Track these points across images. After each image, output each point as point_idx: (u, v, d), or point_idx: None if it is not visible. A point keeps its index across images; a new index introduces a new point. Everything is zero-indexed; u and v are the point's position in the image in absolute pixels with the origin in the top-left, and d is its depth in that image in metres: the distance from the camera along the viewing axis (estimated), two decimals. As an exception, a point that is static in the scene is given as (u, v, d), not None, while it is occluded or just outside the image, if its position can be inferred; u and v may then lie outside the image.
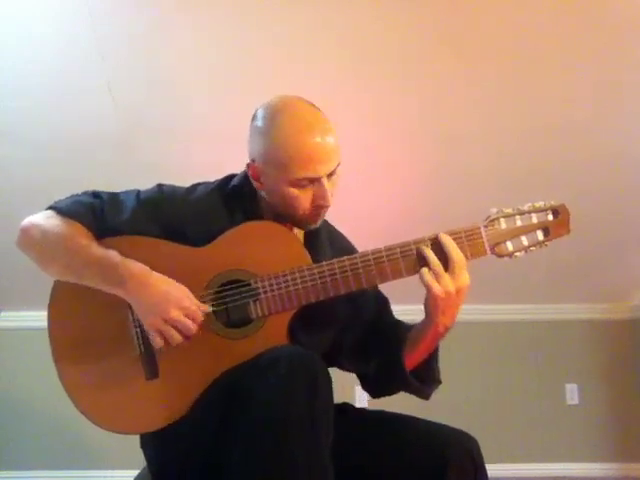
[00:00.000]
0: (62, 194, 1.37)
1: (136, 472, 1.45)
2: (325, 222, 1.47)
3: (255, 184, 1.32)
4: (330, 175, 1.27)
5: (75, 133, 2.57)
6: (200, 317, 1.21)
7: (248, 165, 1.32)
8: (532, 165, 2.73)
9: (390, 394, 1.41)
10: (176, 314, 1.19)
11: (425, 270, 1.22)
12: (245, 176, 1.37)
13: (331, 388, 1.15)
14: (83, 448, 3.01)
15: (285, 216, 1.31)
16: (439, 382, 1.39)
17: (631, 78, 2.53)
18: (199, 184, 1.40)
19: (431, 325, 1.27)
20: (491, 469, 1.29)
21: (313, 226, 1.33)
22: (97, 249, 1.24)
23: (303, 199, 1.27)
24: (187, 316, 1.20)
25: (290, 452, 1.05)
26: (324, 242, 1.41)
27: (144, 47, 2.42)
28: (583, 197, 2.73)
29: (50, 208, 1.31)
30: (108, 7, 2.31)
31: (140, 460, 1.36)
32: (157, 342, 1.20)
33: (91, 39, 2.36)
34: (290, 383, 1.07)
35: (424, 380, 1.35)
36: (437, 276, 1.22)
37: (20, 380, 3.06)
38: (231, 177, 1.40)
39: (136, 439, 1.34)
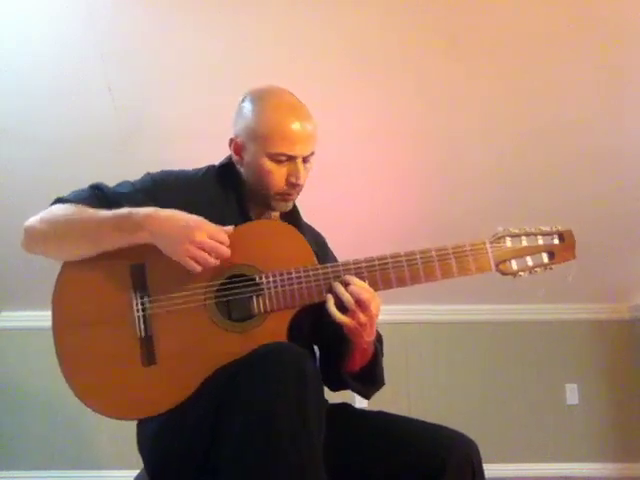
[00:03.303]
0: (62, 194, 1.37)
1: (136, 472, 1.45)
2: (307, 224, 1.52)
3: (235, 159, 1.39)
4: (305, 161, 1.35)
5: (75, 133, 2.57)
6: (223, 235, 1.23)
7: (231, 140, 1.39)
8: (533, 166, 2.72)
9: (338, 390, 1.45)
10: (201, 236, 1.21)
11: (330, 301, 1.24)
12: (229, 160, 1.43)
13: (321, 385, 1.16)
14: (83, 448, 3.00)
15: (260, 195, 1.37)
16: (381, 384, 1.43)
17: (632, 78, 2.53)
18: (185, 170, 1.45)
19: (353, 343, 1.29)
20: (491, 469, 1.29)
21: (284, 207, 1.39)
22: (105, 211, 1.26)
23: (277, 175, 1.34)
24: (211, 237, 1.22)
25: (282, 451, 1.04)
26: (310, 239, 1.42)
27: (144, 47, 2.42)
28: (583, 197, 2.73)
29: (52, 203, 1.34)
30: (108, 7, 2.31)
31: (140, 460, 1.36)
32: (193, 267, 1.21)
33: (91, 39, 2.36)
34: (279, 381, 1.07)
35: (365, 383, 1.39)
36: (348, 310, 1.23)
37: (20, 380, 3.05)
38: (212, 166, 1.46)
39: (135, 438, 1.34)
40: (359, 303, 1.22)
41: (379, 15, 2.36)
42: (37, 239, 1.30)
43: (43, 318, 1.30)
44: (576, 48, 2.43)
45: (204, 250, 1.21)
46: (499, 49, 2.44)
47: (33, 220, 1.31)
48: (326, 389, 1.33)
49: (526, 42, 2.42)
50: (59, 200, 1.33)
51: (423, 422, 1.35)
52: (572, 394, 3.20)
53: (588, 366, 3.23)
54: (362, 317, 1.22)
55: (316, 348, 1.47)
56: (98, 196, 1.33)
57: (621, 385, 3.21)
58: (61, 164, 2.62)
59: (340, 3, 2.33)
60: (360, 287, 1.23)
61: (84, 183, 1.41)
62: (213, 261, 1.22)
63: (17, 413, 3.04)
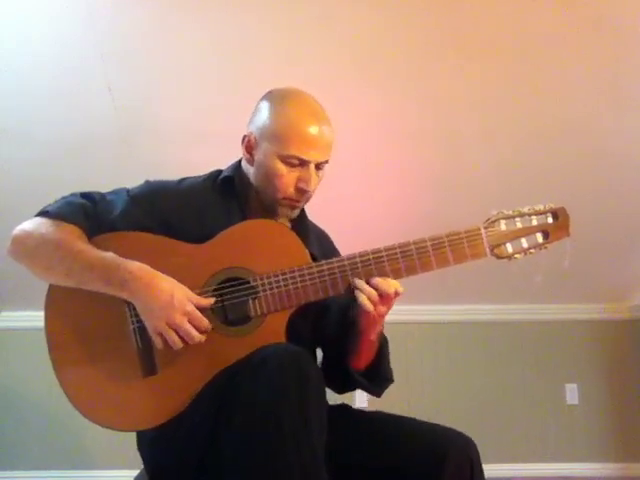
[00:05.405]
0: (62, 194, 1.36)
1: (136, 472, 1.45)
2: (313, 224, 1.50)
3: (246, 157, 1.36)
4: (318, 168, 1.32)
5: (75, 133, 2.57)
6: (204, 324, 1.20)
7: (244, 137, 1.35)
8: (532, 166, 2.73)
9: (344, 392, 1.44)
10: (180, 320, 1.18)
11: (364, 297, 1.23)
12: (236, 167, 1.40)
13: (323, 386, 1.15)
14: (83, 448, 3.01)
15: (267, 198, 1.33)
16: (390, 381, 1.42)
17: (632, 78, 2.53)
18: (186, 178, 1.41)
19: (362, 336, 1.30)
20: (491, 469, 1.29)
21: (289, 214, 1.36)
22: (95, 252, 1.23)
23: (287, 179, 1.30)
24: (190, 321, 1.19)
25: (284, 451, 1.04)
26: (313, 241, 1.42)
27: (144, 47, 2.42)
28: (583, 197, 2.73)
29: (40, 214, 1.29)
30: (108, 7, 2.31)
31: (140, 460, 1.36)
32: (158, 343, 1.20)
33: (91, 39, 2.36)
34: (280, 382, 1.07)
35: (372, 379, 1.38)
36: (374, 303, 1.23)
37: (20, 380, 3.05)
38: (219, 171, 1.42)
39: (135, 439, 1.34)
40: (382, 296, 1.23)
41: (380, 16, 2.36)
42: (23, 256, 1.27)
43: (43, 318, 1.29)
44: (577, 48, 2.43)
45: (177, 333, 1.18)
46: (500, 49, 2.44)
47: (22, 232, 1.26)
48: (330, 392, 1.33)
49: (527, 43, 2.42)
50: (46, 213, 1.28)
51: (421, 421, 1.34)
52: (572, 394, 3.20)
53: (588, 366, 3.23)
54: (382, 308, 1.24)
55: (319, 352, 1.47)
56: (88, 212, 1.29)
57: (621, 385, 3.21)
58: (61, 164, 2.62)
59: (341, 4, 2.33)
60: (384, 281, 1.24)
61: (84, 183, 1.40)
62: (180, 345, 1.19)
63: (17, 413, 3.04)
